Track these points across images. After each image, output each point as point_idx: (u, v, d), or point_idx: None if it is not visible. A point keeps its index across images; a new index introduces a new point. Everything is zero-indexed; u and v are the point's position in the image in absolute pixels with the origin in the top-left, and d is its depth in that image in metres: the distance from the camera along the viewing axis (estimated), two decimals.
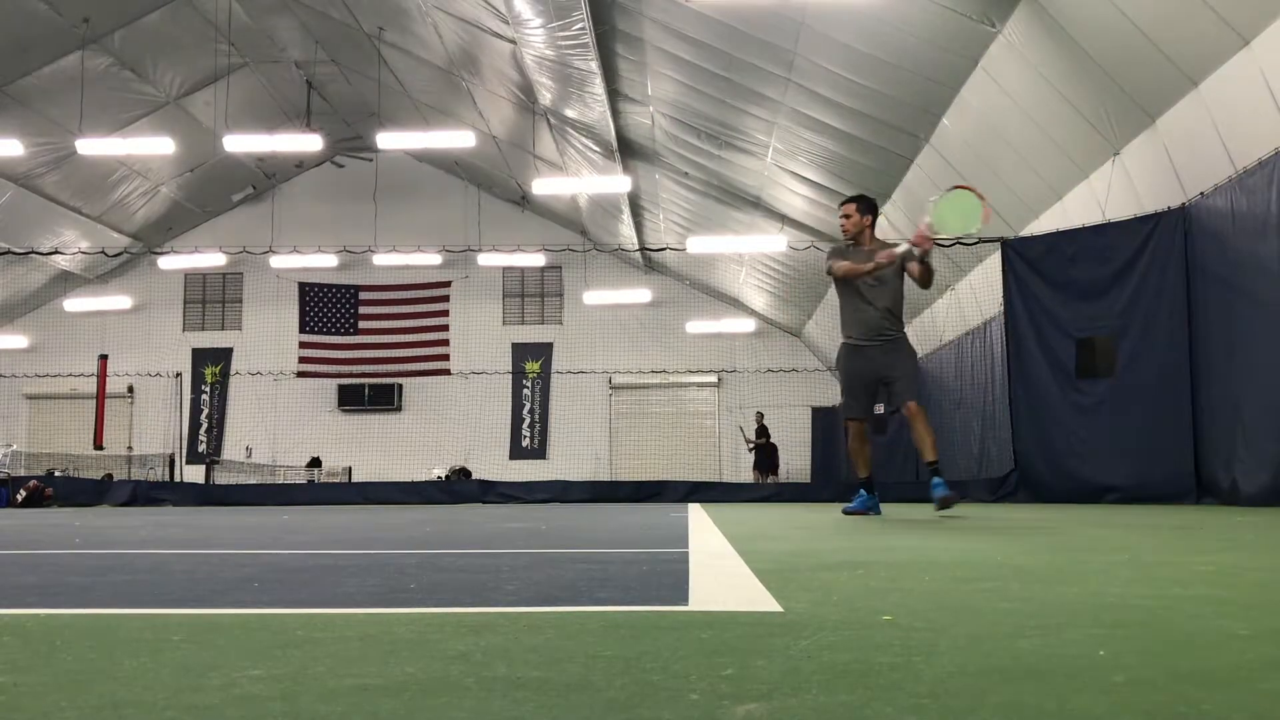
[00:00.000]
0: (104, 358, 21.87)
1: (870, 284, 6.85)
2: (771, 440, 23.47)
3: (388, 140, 19.49)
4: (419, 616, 1.81)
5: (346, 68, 21.81)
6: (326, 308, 27.37)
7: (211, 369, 27.68)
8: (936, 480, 6.58)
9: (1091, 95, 10.33)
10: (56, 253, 23.50)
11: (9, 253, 20.19)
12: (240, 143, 20.61)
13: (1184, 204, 10.28)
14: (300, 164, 27.38)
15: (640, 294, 26.16)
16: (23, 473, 19.81)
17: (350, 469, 25.70)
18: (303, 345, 27.25)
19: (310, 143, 18.92)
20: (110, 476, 20.60)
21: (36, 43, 18.21)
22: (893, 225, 15.01)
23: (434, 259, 23.96)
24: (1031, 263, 12.01)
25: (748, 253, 21.74)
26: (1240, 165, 9.03)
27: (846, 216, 7.04)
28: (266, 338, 27.18)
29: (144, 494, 15.94)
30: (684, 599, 2.02)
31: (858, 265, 6.82)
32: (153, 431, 27.07)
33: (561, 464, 25.70)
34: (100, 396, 21.47)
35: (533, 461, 26.31)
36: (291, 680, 1.21)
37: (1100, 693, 1.11)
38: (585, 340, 26.90)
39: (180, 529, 6.13)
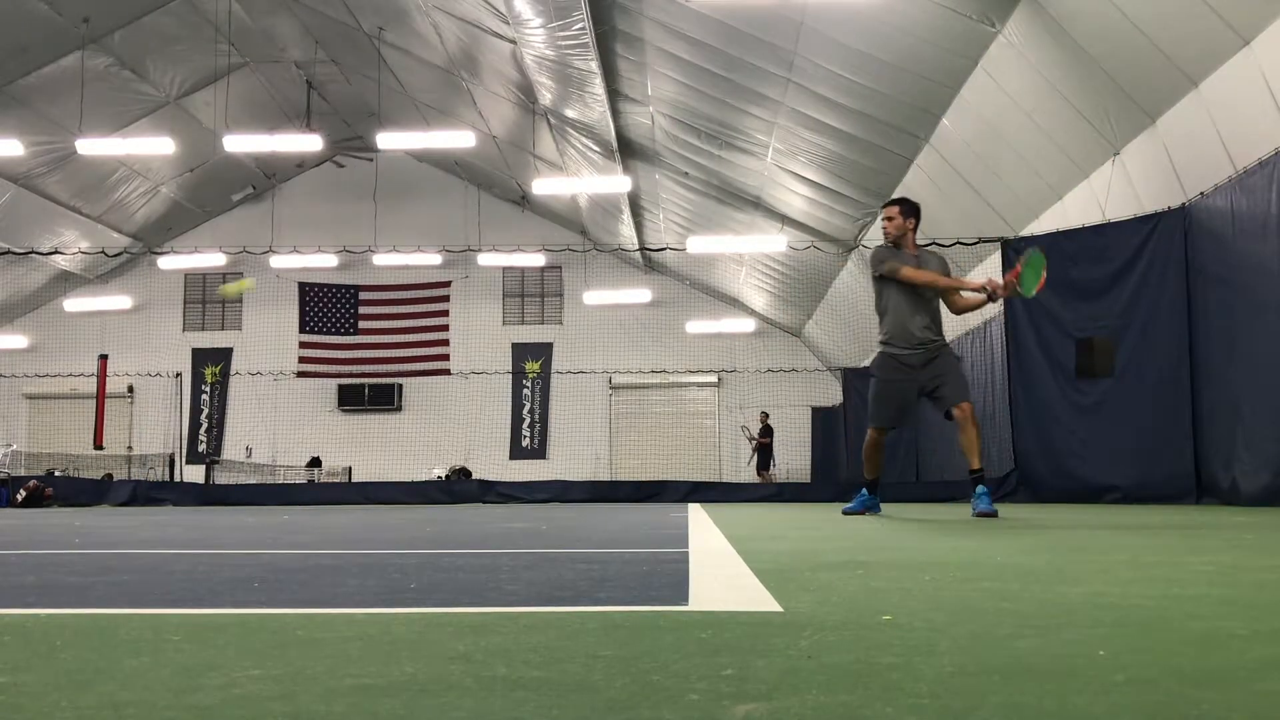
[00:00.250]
0: (104, 358, 21.87)
1: (926, 294, 6.74)
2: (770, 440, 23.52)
3: (388, 140, 19.50)
4: (419, 616, 1.81)
5: (346, 68, 21.82)
6: (326, 308, 27.37)
7: (211, 369, 27.68)
8: (982, 490, 6.51)
9: (1091, 95, 10.33)
10: (56, 253, 23.51)
11: (9, 253, 20.20)
12: (240, 143, 20.63)
13: (1184, 204, 10.28)
14: (300, 164, 27.39)
15: (640, 294, 26.16)
16: (23, 472, 19.81)
17: (350, 469, 25.71)
18: (303, 345, 27.25)
19: (310, 143, 18.93)
20: (110, 476, 20.61)
21: (36, 43, 18.21)
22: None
23: (434, 259, 23.96)
24: None
25: (748, 253, 21.74)
26: (1240, 165, 9.03)
27: (889, 219, 6.85)
28: (266, 338, 27.19)
29: (144, 494, 15.95)
30: (684, 599, 2.02)
31: (936, 276, 6.68)
32: (153, 431, 27.09)
33: (561, 464, 25.70)
34: (100, 396, 21.47)
35: (533, 461, 26.31)
36: (291, 680, 1.21)
37: (1100, 692, 1.11)
38: (585, 340, 26.90)
39: (180, 529, 6.12)
